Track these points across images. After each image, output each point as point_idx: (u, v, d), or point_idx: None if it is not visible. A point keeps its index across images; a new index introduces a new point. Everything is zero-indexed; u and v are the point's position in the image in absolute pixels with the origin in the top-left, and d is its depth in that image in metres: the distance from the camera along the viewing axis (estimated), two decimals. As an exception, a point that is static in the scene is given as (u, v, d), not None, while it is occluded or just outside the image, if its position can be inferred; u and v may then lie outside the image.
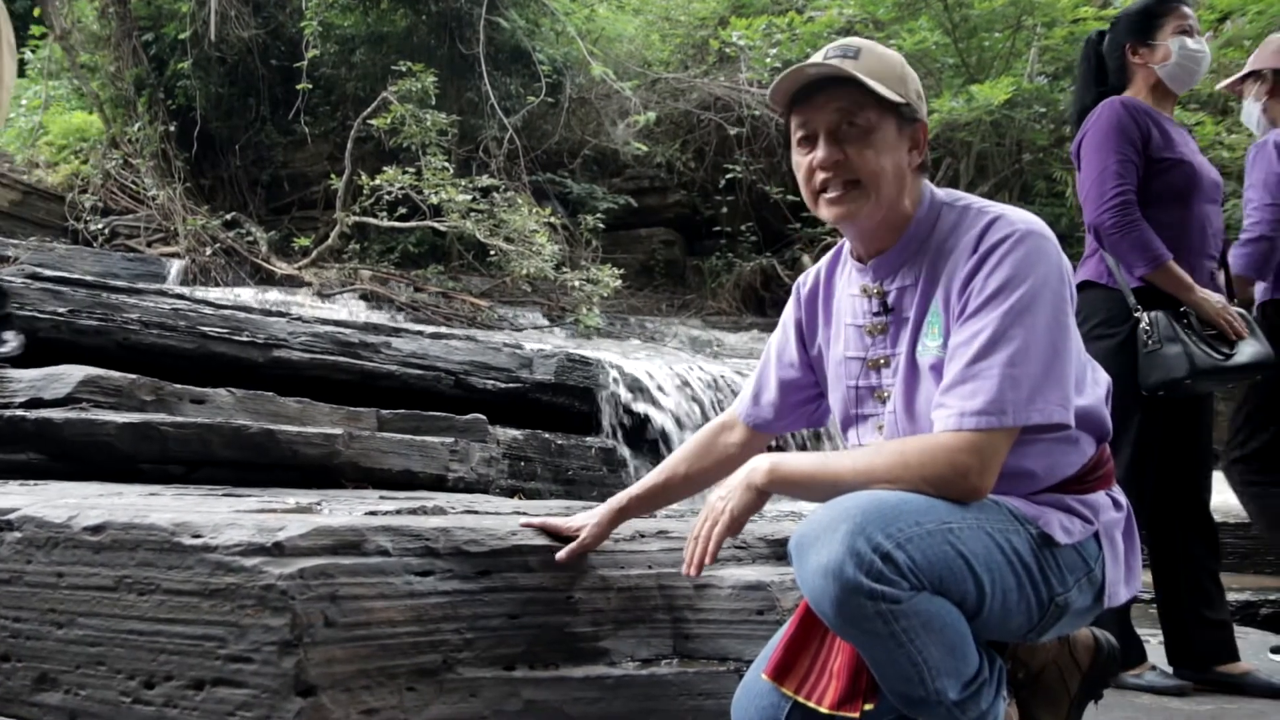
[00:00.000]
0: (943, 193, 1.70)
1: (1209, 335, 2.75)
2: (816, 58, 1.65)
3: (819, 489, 1.56)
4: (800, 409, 1.93)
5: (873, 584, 1.37)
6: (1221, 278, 2.97)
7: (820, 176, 1.64)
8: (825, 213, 1.67)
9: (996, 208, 1.62)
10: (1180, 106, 8.51)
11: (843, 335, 1.77)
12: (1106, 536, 1.65)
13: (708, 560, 1.63)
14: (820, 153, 1.63)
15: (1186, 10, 2.90)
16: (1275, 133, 3.30)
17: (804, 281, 1.89)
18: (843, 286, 1.79)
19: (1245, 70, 3.55)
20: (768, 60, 9.98)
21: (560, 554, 1.89)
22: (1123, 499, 1.73)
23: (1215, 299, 2.79)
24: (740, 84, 10.79)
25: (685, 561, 1.67)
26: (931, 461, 1.49)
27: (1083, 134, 2.91)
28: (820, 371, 1.86)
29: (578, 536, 1.92)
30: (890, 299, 1.69)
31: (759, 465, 1.61)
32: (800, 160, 1.68)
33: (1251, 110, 3.52)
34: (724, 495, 1.64)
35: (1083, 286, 2.87)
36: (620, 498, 1.94)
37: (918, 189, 1.68)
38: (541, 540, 1.91)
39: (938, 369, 1.58)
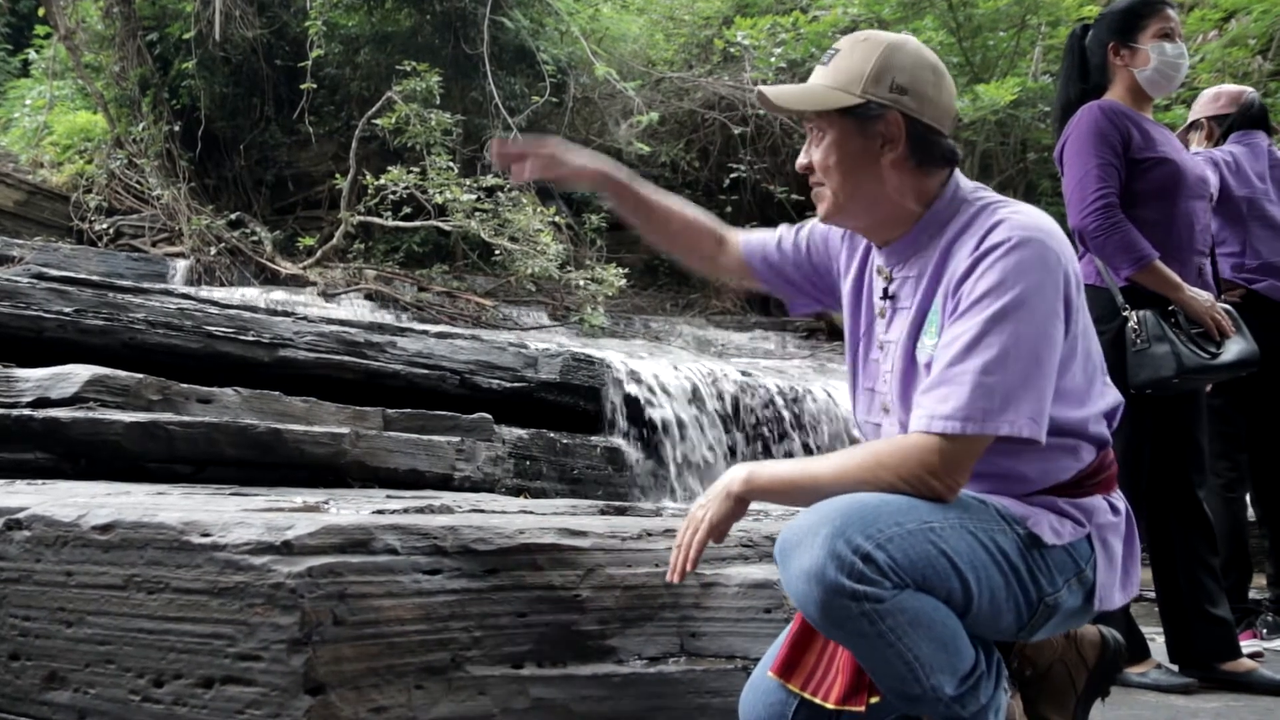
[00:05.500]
0: (971, 187, 1.66)
1: (1196, 333, 2.75)
2: None
3: (797, 494, 1.56)
4: (785, 279, 1.95)
5: (854, 585, 1.38)
6: (1210, 273, 2.97)
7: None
8: None
9: (1008, 209, 1.58)
10: (1183, 105, 8.53)
11: (863, 304, 1.78)
12: (1100, 540, 1.63)
13: (689, 568, 1.62)
14: (800, 157, 1.70)
15: (1170, 13, 2.89)
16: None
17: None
18: (873, 258, 1.78)
19: (1188, 122, 3.80)
20: (772, 60, 9.96)
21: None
22: (1122, 504, 1.70)
23: (1203, 297, 2.79)
24: (745, 83, 10.76)
25: (670, 568, 1.65)
26: (903, 461, 1.49)
27: (1064, 140, 2.92)
28: (826, 293, 1.90)
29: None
30: (893, 286, 1.69)
31: (736, 474, 1.60)
32: None
33: None
34: (704, 504, 1.63)
35: None
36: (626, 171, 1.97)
37: (923, 183, 1.63)
38: (549, 539, 1.91)
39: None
